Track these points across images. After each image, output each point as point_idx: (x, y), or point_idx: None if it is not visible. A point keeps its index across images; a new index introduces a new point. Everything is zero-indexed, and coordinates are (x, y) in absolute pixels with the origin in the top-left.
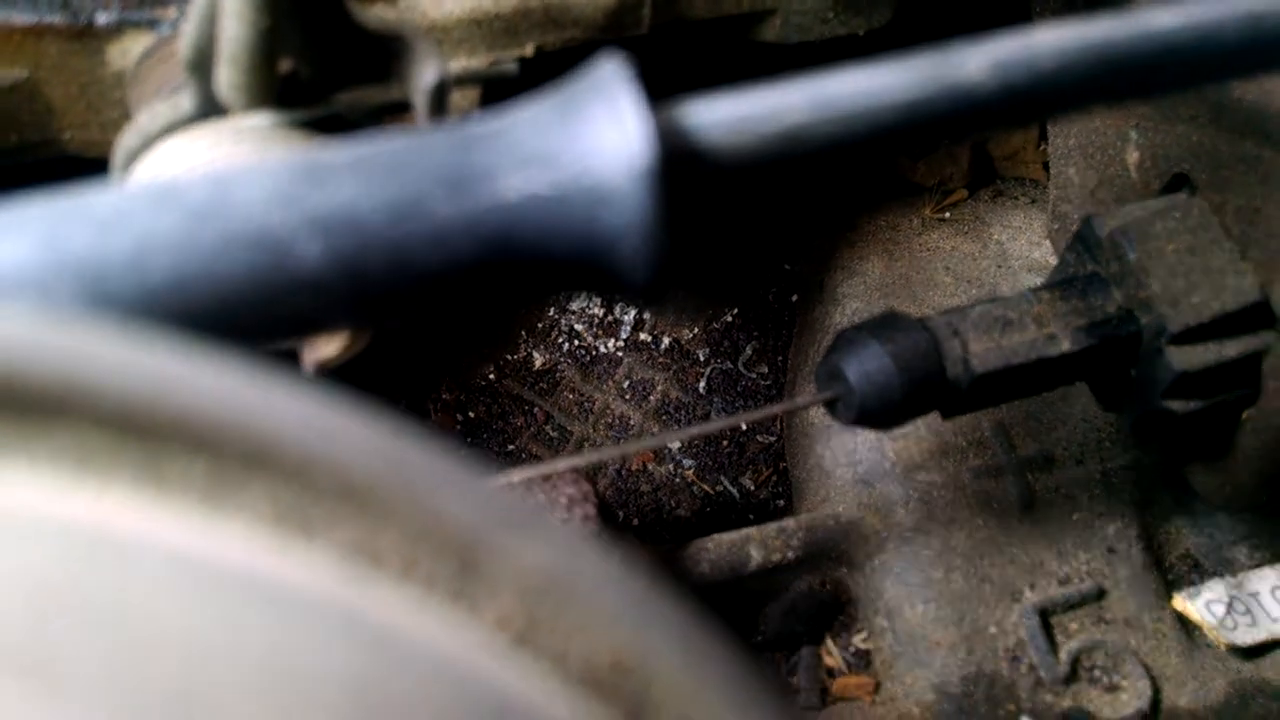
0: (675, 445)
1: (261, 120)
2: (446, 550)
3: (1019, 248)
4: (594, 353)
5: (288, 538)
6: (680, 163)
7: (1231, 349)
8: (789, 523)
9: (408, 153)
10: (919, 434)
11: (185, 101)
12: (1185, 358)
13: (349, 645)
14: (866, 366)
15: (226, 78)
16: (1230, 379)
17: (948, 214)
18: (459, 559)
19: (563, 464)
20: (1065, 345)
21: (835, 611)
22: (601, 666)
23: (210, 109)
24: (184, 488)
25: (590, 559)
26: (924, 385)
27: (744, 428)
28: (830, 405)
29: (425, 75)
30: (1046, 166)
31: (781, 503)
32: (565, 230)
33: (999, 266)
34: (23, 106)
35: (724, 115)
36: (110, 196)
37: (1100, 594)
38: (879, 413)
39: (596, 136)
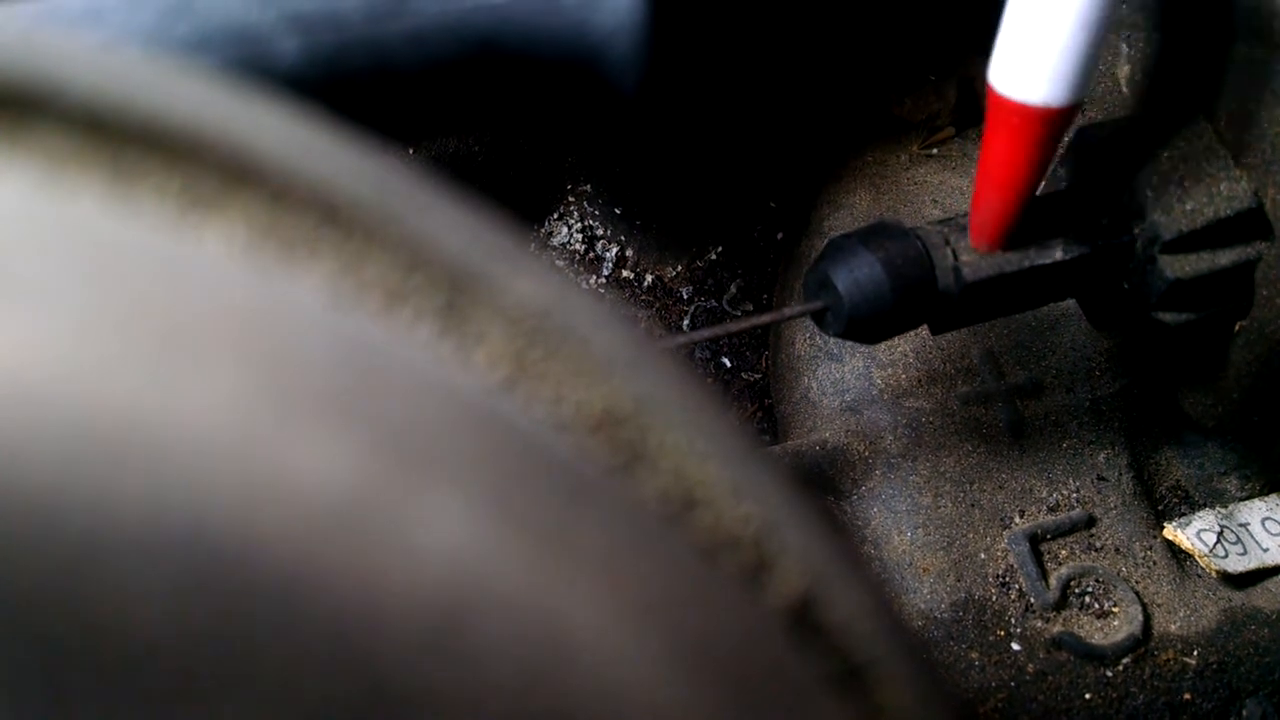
0: None
1: None
2: (433, 283)
3: None
4: None
5: (268, 261)
6: None
7: (1225, 258)
8: (774, 450)
9: None
10: (907, 361)
11: None
12: (1178, 266)
13: (335, 354)
14: (856, 274)
15: None
16: (1223, 289)
17: (935, 150)
18: (446, 293)
19: None
20: (1057, 254)
21: None
22: (593, 415)
23: None
24: (159, 204)
25: (581, 302)
26: (914, 294)
27: (728, 365)
28: (818, 317)
29: None
30: None
31: (767, 439)
32: (554, 32)
33: None
34: None
35: None
36: None
37: (1090, 522)
38: (868, 323)
39: None
